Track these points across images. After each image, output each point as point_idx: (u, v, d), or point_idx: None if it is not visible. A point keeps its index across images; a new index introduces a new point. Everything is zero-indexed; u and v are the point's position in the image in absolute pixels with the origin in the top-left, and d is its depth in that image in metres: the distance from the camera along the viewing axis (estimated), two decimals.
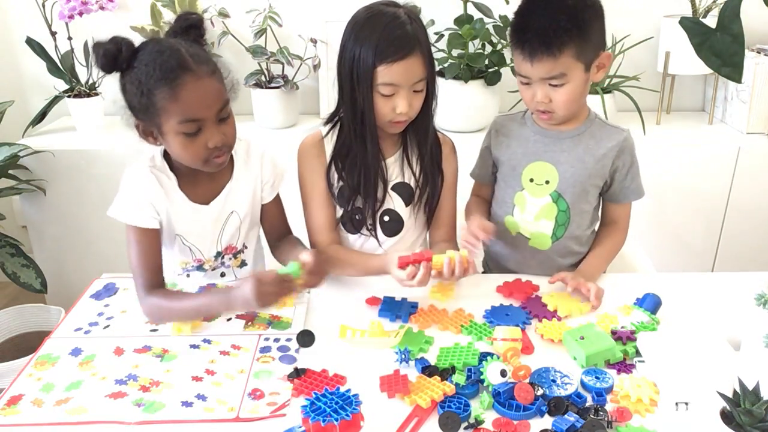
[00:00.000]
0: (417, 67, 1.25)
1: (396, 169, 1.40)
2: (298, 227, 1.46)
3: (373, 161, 1.34)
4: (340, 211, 1.41)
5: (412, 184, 1.40)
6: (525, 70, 1.26)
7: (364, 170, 1.34)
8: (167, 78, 1.10)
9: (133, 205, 1.24)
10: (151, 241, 1.24)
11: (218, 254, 1.35)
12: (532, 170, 1.37)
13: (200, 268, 1.36)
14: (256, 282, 1.06)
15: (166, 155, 1.27)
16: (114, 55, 1.12)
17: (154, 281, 1.23)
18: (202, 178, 1.28)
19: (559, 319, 1.19)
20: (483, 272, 1.57)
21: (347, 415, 0.87)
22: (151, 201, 1.24)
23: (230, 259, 1.38)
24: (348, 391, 0.92)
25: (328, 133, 1.39)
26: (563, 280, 1.27)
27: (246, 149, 1.34)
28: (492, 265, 1.52)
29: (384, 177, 1.37)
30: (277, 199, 1.40)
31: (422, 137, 1.37)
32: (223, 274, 1.38)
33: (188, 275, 1.36)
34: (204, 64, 1.15)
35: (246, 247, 1.40)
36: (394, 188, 1.40)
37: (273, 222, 1.41)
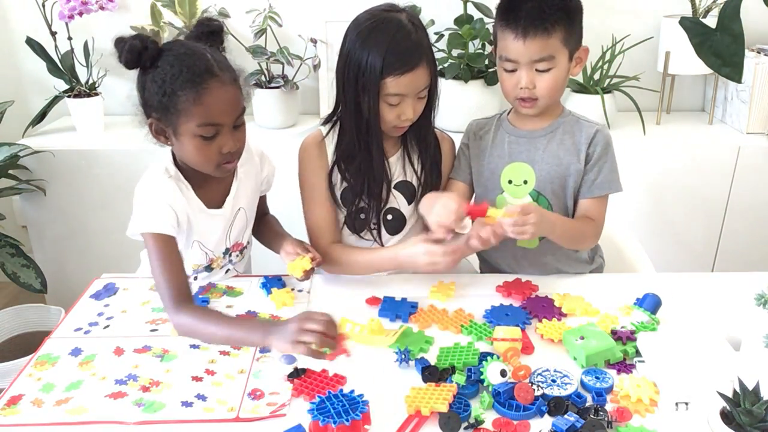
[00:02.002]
0: (423, 77, 1.26)
1: (398, 168, 1.40)
2: (295, 226, 1.47)
3: (378, 164, 1.34)
4: (345, 210, 1.41)
5: (414, 182, 1.40)
6: (515, 51, 1.26)
7: (368, 173, 1.35)
8: (193, 81, 1.11)
9: (155, 212, 1.21)
10: (173, 249, 1.20)
11: (226, 251, 1.36)
12: (509, 172, 1.37)
13: (209, 268, 1.36)
14: (301, 318, 1.07)
15: (176, 163, 1.27)
16: (139, 52, 1.12)
17: (183, 294, 1.18)
18: (211, 182, 1.29)
19: (559, 319, 1.19)
20: (480, 272, 1.57)
21: (357, 415, 0.89)
22: (173, 208, 1.22)
23: (237, 255, 1.39)
24: (352, 391, 0.93)
25: (328, 133, 1.39)
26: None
27: (245, 148, 1.34)
28: (485, 268, 1.52)
29: (388, 177, 1.38)
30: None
31: (422, 136, 1.38)
32: (227, 270, 1.39)
33: (195, 278, 1.36)
34: (227, 72, 1.17)
35: (250, 243, 1.43)
36: (396, 187, 1.40)
37: (259, 210, 1.45)
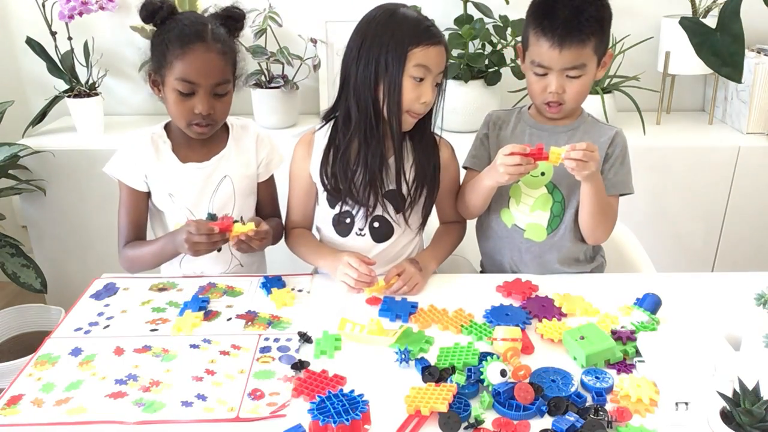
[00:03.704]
0: (443, 57, 1.30)
1: (390, 176, 1.38)
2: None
3: (377, 164, 1.33)
4: (330, 212, 1.42)
5: (404, 191, 1.39)
6: (549, 59, 1.27)
7: (365, 176, 1.34)
8: (182, 39, 1.28)
9: (127, 165, 1.39)
10: (137, 201, 1.42)
11: (212, 217, 1.39)
12: None
13: None
14: (187, 233, 1.24)
15: (166, 127, 1.42)
16: (154, 10, 1.31)
17: (133, 236, 1.41)
18: (196, 145, 1.40)
19: (559, 318, 1.19)
20: (480, 272, 1.57)
21: (357, 415, 0.89)
22: (143, 164, 1.38)
23: None
24: (352, 391, 0.93)
25: (319, 129, 1.41)
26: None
27: (242, 125, 1.47)
28: (486, 262, 1.53)
29: (383, 181, 1.36)
30: (270, 181, 1.52)
31: (417, 141, 1.37)
32: (219, 249, 1.40)
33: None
34: (219, 43, 1.31)
35: (243, 222, 1.42)
36: (385, 195, 1.39)
37: (263, 201, 1.52)
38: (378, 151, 1.33)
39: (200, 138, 1.37)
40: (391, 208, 1.40)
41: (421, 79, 1.27)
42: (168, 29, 1.30)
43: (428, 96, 1.29)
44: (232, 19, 1.37)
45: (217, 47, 1.30)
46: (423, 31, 1.26)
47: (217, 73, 1.30)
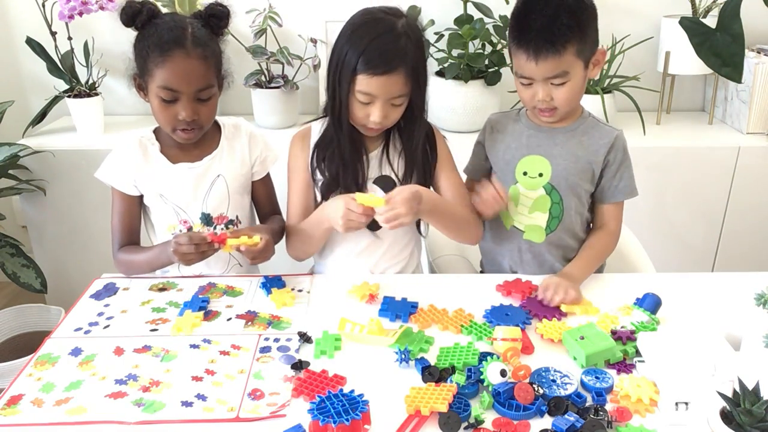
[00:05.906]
0: (397, 85, 1.25)
1: (376, 164, 1.38)
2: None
3: (351, 156, 1.34)
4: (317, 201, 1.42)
5: (394, 177, 1.38)
6: (529, 71, 1.27)
7: (342, 164, 1.35)
8: (161, 47, 1.26)
9: (116, 170, 1.39)
10: (129, 206, 1.41)
11: (206, 218, 1.39)
12: (525, 164, 1.38)
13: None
14: (176, 243, 1.25)
15: (156, 130, 1.42)
16: (134, 14, 1.28)
17: (126, 241, 1.41)
18: (187, 146, 1.39)
19: (559, 318, 1.19)
20: (480, 272, 1.57)
21: (357, 415, 0.89)
22: (131, 168, 1.37)
23: (222, 229, 1.41)
24: (352, 391, 0.93)
25: (312, 120, 1.42)
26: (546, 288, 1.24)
27: (234, 124, 1.46)
28: (486, 262, 1.53)
29: (363, 171, 1.36)
30: (267, 179, 1.50)
31: (407, 135, 1.37)
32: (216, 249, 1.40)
33: None
34: (200, 47, 1.28)
35: (240, 221, 1.45)
36: (376, 182, 1.38)
37: (261, 200, 1.51)
38: (351, 147, 1.33)
39: (187, 142, 1.36)
40: (382, 195, 1.39)
41: (368, 103, 1.27)
42: (148, 34, 1.27)
43: (376, 117, 1.27)
44: (216, 18, 1.33)
45: (198, 52, 1.27)
46: (371, 58, 1.22)
47: (199, 79, 1.28)
